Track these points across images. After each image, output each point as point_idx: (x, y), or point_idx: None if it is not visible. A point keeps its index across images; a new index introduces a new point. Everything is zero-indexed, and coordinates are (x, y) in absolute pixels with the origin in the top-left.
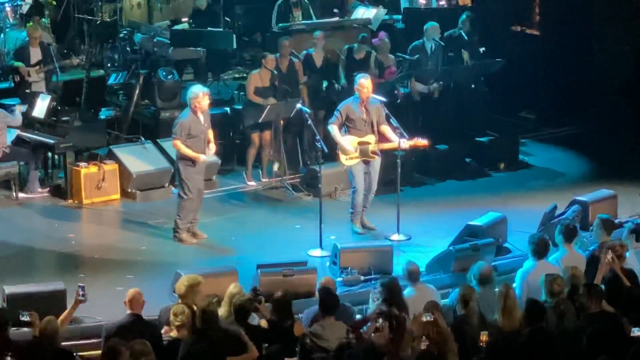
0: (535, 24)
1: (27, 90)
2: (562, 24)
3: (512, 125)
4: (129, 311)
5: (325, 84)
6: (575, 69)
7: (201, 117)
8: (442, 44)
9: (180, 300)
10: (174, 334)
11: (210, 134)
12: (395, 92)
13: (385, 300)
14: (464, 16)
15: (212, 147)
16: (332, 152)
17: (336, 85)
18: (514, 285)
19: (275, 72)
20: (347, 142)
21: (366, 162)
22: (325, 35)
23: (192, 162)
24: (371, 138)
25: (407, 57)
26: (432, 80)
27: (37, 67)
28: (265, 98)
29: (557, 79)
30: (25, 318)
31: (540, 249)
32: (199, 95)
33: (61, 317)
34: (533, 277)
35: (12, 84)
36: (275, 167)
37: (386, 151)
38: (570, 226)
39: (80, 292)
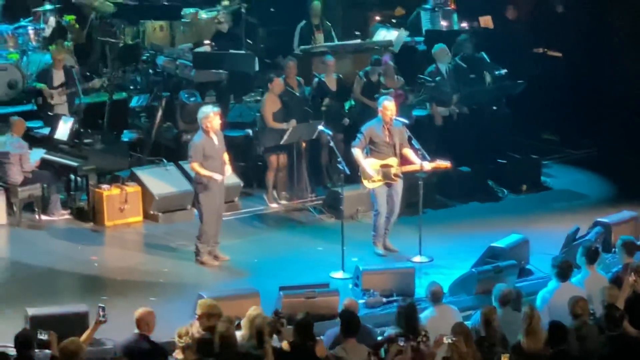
0: (557, 46)
1: (50, 113)
2: (583, 45)
3: (534, 147)
4: (136, 331)
5: (347, 106)
6: (597, 90)
7: (214, 137)
8: (464, 65)
9: (197, 321)
10: (179, 356)
11: (226, 156)
12: (409, 114)
13: (401, 324)
14: (463, 37)
15: (228, 169)
16: (353, 174)
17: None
18: (537, 306)
19: (292, 91)
20: (370, 164)
21: (388, 185)
22: (347, 57)
23: (210, 184)
24: (393, 160)
25: (428, 79)
26: (454, 101)
27: (60, 89)
28: (284, 121)
29: (579, 100)
30: (43, 337)
31: (563, 271)
32: (210, 115)
33: (82, 338)
34: (556, 298)
35: (35, 106)
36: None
37: (408, 173)
38: (592, 248)
39: (101, 313)
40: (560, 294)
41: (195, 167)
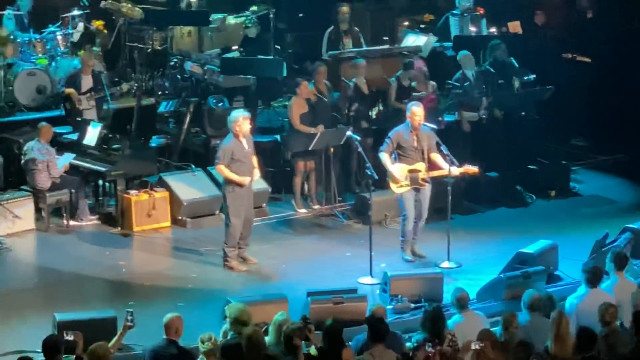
0: (586, 51)
1: (78, 118)
2: (613, 50)
3: (563, 153)
4: (164, 336)
5: (375, 111)
6: (626, 96)
7: (244, 141)
8: (492, 70)
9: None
10: None
11: (255, 160)
12: (440, 119)
13: (427, 329)
14: (496, 42)
15: (257, 173)
16: (381, 180)
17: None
18: (565, 311)
19: (319, 95)
20: (398, 169)
21: (416, 190)
22: (375, 62)
23: (237, 188)
24: (421, 166)
25: (457, 84)
26: (483, 105)
27: (89, 94)
28: (311, 125)
29: (608, 106)
30: (69, 337)
31: (593, 277)
32: (239, 119)
33: (110, 344)
34: (584, 304)
35: (64, 112)
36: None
37: (436, 179)
38: (621, 254)
39: (129, 318)
40: (589, 300)
41: (221, 169)
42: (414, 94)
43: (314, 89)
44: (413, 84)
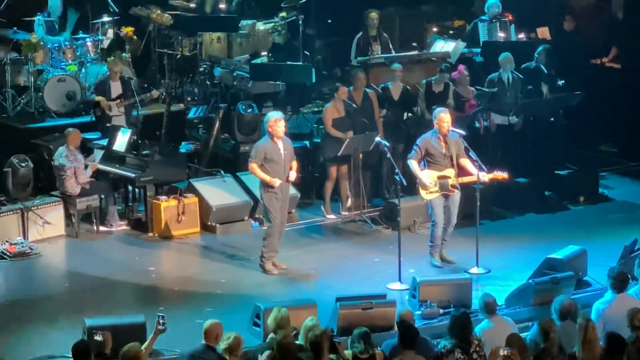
0: (616, 57)
1: (108, 124)
2: None
3: (592, 158)
4: (203, 341)
5: (404, 117)
6: None
7: (280, 143)
8: (521, 76)
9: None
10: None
11: (294, 164)
12: (477, 124)
13: (454, 334)
14: (540, 48)
15: (293, 174)
16: (410, 186)
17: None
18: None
19: (349, 102)
20: (427, 176)
21: (445, 196)
22: (404, 68)
23: (271, 188)
24: (450, 172)
25: (485, 89)
26: (511, 112)
27: (118, 101)
28: (344, 130)
29: (637, 112)
30: (98, 337)
31: (619, 283)
32: (271, 120)
33: (142, 347)
34: (611, 310)
35: (93, 118)
36: (349, 202)
37: (465, 185)
38: None
39: (161, 321)
40: (616, 306)
41: (253, 167)
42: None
43: (350, 95)
44: (452, 86)
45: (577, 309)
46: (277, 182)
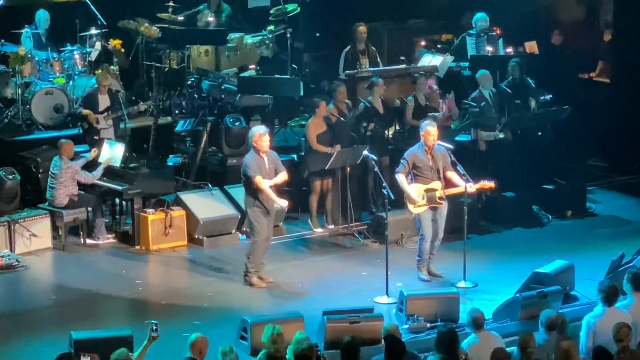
0: (605, 72)
1: (96, 137)
2: (632, 71)
3: (580, 173)
4: (188, 354)
5: (392, 130)
6: None
7: (265, 158)
8: (509, 90)
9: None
10: None
11: (281, 176)
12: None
13: (441, 350)
14: (512, 62)
15: (283, 176)
16: (398, 199)
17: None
18: (581, 330)
19: (337, 116)
20: (414, 190)
21: (433, 209)
22: (392, 82)
23: (259, 203)
24: (437, 184)
25: (473, 104)
26: (498, 127)
27: (106, 114)
28: (329, 145)
29: (625, 126)
30: (86, 359)
31: (609, 296)
32: (255, 134)
33: (135, 354)
34: (602, 323)
35: (81, 131)
36: (334, 215)
37: (453, 198)
38: (638, 274)
39: (154, 328)
40: (606, 319)
41: (259, 181)
42: (430, 113)
43: (334, 109)
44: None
45: (566, 322)
46: (284, 203)
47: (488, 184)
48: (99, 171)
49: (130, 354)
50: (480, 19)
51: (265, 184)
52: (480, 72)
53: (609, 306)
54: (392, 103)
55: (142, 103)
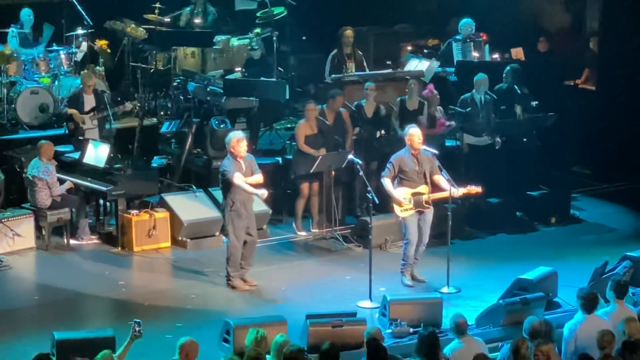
0: (591, 79)
1: (81, 137)
2: (618, 79)
3: (564, 180)
4: (175, 357)
5: (377, 135)
6: (629, 125)
7: (242, 163)
8: (495, 96)
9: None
10: None
11: (256, 177)
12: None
13: (421, 354)
14: (508, 68)
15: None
16: (382, 204)
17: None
18: (563, 337)
19: (323, 120)
20: (401, 194)
21: (419, 213)
22: (377, 87)
23: (237, 206)
24: (424, 188)
25: (459, 109)
26: (484, 133)
27: (91, 114)
28: (316, 148)
29: (610, 134)
30: None
31: (588, 303)
32: (233, 140)
33: (117, 353)
34: (582, 330)
35: (66, 131)
36: (319, 219)
37: (438, 203)
38: (621, 282)
39: (137, 328)
40: (586, 326)
41: (236, 177)
42: (418, 116)
43: (329, 113)
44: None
45: (551, 328)
46: (263, 192)
47: (475, 189)
48: (62, 189)
49: (114, 354)
50: (466, 24)
51: (242, 179)
52: (479, 75)
53: (588, 314)
54: (380, 108)
55: (128, 102)
